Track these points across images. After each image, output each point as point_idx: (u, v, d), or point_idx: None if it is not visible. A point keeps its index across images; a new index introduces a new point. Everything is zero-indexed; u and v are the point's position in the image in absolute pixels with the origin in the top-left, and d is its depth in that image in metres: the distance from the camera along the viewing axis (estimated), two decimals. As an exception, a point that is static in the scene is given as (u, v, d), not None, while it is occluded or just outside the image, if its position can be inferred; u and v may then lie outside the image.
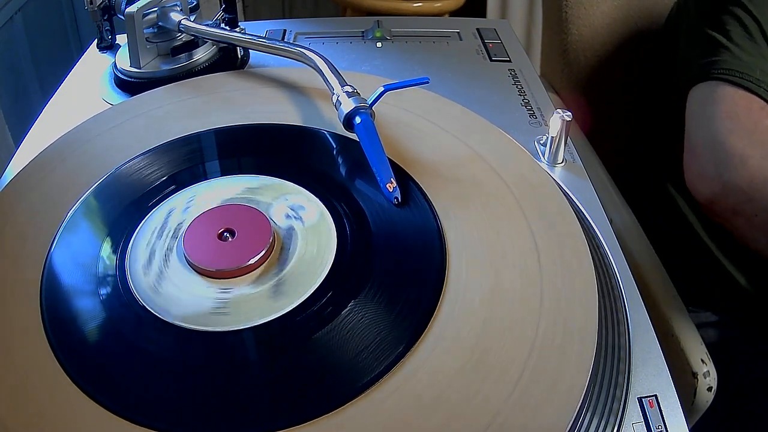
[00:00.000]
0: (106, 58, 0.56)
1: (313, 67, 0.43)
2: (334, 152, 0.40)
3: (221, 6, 0.53)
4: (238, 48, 0.53)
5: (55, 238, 0.34)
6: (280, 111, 0.44)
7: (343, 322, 0.29)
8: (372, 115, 0.39)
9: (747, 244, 0.49)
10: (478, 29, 0.62)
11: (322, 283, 0.31)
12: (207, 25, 0.50)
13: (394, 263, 0.33)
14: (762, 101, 0.50)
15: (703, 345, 0.47)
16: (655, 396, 0.30)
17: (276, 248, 0.34)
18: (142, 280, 0.32)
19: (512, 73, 0.54)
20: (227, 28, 0.52)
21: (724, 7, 0.56)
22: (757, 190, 0.46)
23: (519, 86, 0.52)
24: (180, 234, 0.34)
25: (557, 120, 0.41)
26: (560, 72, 0.79)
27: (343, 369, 0.28)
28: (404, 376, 0.27)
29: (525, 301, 0.30)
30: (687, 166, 0.52)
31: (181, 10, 0.50)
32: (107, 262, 0.33)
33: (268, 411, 0.26)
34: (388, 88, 0.39)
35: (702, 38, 0.56)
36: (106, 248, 0.34)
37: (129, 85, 0.50)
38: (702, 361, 0.46)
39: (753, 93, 0.50)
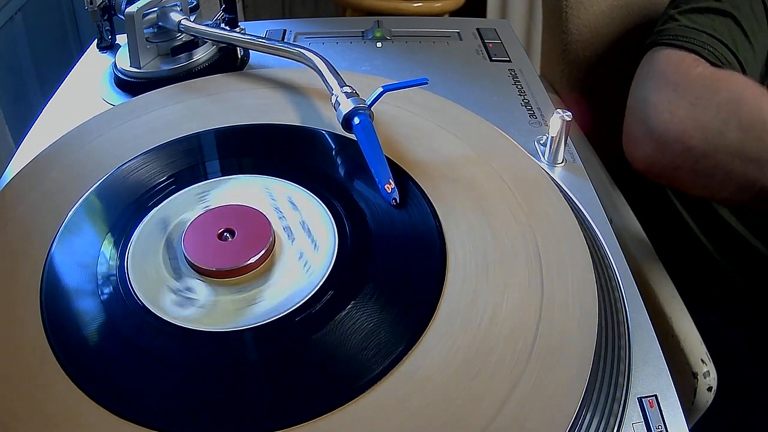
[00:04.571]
0: (106, 58, 0.56)
1: (312, 68, 0.43)
2: (334, 153, 0.40)
3: (221, 6, 0.53)
4: (238, 48, 0.53)
5: (55, 238, 0.34)
6: (280, 111, 0.44)
7: (343, 323, 0.29)
8: (371, 115, 0.39)
9: (701, 195, 0.48)
10: (478, 29, 0.62)
11: (322, 283, 0.31)
12: (207, 25, 0.50)
13: (393, 263, 0.33)
14: (695, 56, 0.50)
15: (703, 345, 0.47)
16: (655, 396, 0.30)
17: (276, 248, 0.34)
18: (143, 280, 0.32)
19: (512, 73, 0.54)
20: (227, 28, 0.52)
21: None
22: (691, 137, 0.45)
23: (519, 86, 0.52)
24: (180, 234, 0.34)
25: (557, 120, 0.41)
26: (560, 72, 0.79)
27: (342, 369, 0.28)
28: (404, 376, 0.27)
29: (524, 301, 0.30)
30: (623, 135, 0.51)
31: (181, 10, 0.50)
32: (108, 262, 0.33)
33: (268, 411, 0.26)
34: (387, 89, 0.39)
35: (662, 17, 0.56)
36: (107, 248, 0.34)
37: (129, 85, 0.50)
38: (702, 361, 0.45)
39: (690, 52, 0.50)
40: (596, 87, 0.78)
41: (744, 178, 0.44)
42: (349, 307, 0.30)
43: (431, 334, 0.29)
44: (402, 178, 0.37)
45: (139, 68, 0.50)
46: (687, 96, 0.47)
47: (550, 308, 0.30)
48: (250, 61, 0.55)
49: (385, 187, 0.35)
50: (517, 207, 0.35)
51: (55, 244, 0.34)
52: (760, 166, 0.43)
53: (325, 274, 0.32)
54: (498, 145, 0.40)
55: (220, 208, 0.36)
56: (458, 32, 0.61)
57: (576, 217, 0.35)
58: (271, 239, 0.33)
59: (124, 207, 0.36)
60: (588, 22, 0.74)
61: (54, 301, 0.31)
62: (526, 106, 0.50)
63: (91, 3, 0.53)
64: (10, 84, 0.94)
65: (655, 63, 0.51)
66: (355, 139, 0.38)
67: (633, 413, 0.29)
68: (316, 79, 0.43)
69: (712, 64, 0.50)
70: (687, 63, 0.49)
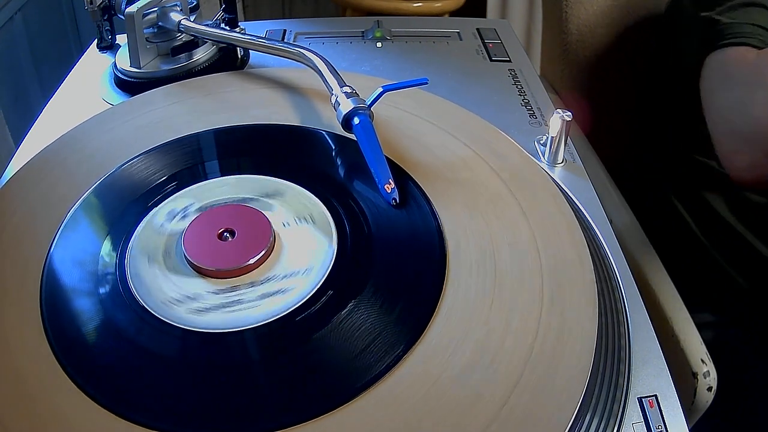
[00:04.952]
0: (106, 58, 0.56)
1: (312, 68, 0.43)
2: (334, 153, 0.40)
3: (221, 6, 0.53)
4: (238, 48, 0.53)
5: (55, 237, 0.34)
6: (280, 111, 0.44)
7: (343, 322, 0.29)
8: (371, 115, 0.39)
9: None
10: (478, 29, 0.62)
11: (322, 283, 0.31)
12: (207, 25, 0.50)
13: (394, 263, 0.33)
14: (746, 47, 0.49)
15: (703, 345, 0.47)
16: (655, 396, 0.30)
17: (276, 248, 0.34)
18: (142, 280, 0.32)
19: (512, 73, 0.54)
20: (227, 28, 0.52)
21: None
22: None
23: (519, 86, 0.52)
24: (180, 233, 0.34)
25: (557, 120, 0.41)
26: (560, 72, 0.79)
27: (343, 369, 0.28)
28: (404, 376, 0.27)
29: (525, 301, 0.30)
30: (720, 157, 0.50)
31: (181, 10, 0.50)
32: (107, 262, 0.33)
33: (268, 411, 0.26)
34: (386, 89, 0.39)
35: (698, 23, 0.56)
36: (107, 248, 0.34)
37: (129, 85, 0.50)
38: (702, 361, 0.46)
39: (743, 45, 0.50)
40: (596, 87, 0.78)
41: None
42: (349, 307, 0.30)
43: (431, 334, 0.29)
44: (402, 178, 0.37)
45: (139, 68, 0.50)
46: (758, 83, 0.46)
47: (550, 308, 0.30)
48: (250, 61, 0.55)
49: (385, 187, 0.35)
50: (517, 207, 0.35)
51: (54, 243, 0.34)
52: None
53: (325, 274, 0.32)
54: (498, 146, 0.40)
55: (220, 207, 0.36)
56: (458, 32, 0.61)
57: (576, 217, 0.35)
58: (270, 239, 0.33)
59: (124, 206, 0.36)
60: (588, 22, 0.74)
61: (54, 301, 0.31)
62: (526, 106, 0.50)
63: (91, 3, 0.53)
64: (10, 84, 0.94)
65: (716, 70, 0.50)
66: (355, 139, 0.38)
67: (633, 413, 0.29)
68: (316, 79, 0.43)
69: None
70: (740, 55, 0.49)
